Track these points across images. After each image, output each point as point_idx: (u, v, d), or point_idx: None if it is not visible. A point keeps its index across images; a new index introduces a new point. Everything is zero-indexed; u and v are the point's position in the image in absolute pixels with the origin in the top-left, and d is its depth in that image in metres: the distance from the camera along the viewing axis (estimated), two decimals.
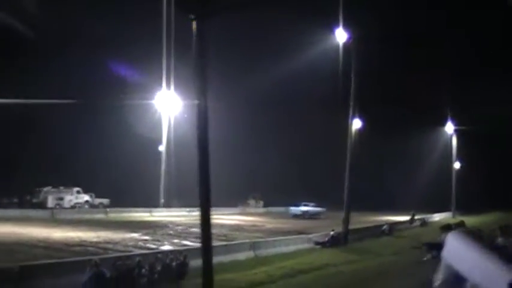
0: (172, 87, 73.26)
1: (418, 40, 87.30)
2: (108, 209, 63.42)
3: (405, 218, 63.78)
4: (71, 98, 67.69)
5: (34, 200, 64.56)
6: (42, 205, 63.46)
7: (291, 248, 34.06)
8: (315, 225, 50.90)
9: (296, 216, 66.86)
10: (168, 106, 74.45)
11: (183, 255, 23.21)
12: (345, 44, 50.24)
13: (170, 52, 72.01)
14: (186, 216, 58.89)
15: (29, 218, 52.57)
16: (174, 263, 21.92)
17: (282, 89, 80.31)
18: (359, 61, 45.49)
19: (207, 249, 10.65)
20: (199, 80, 10.97)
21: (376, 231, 49.24)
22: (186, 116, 69.59)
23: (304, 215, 66.92)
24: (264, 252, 30.80)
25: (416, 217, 64.83)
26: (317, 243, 37.61)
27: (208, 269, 10.45)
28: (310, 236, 39.43)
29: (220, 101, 51.61)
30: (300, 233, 42.63)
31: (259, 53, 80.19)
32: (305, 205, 69.93)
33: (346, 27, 50.42)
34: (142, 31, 69.68)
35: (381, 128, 79.10)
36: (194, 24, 10.39)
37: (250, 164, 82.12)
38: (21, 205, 62.11)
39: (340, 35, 51.59)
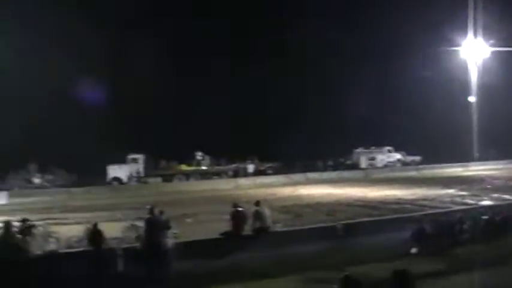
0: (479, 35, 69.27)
1: None
2: (420, 166, 62.77)
3: None
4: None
5: (347, 162, 66.84)
6: (355, 166, 65.42)
7: None
8: None
9: None
10: (475, 55, 70.69)
11: (506, 209, 21.64)
12: None
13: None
14: (504, 169, 55.42)
15: (343, 179, 54.62)
16: (497, 218, 20.47)
17: None
18: None
19: None
20: None
21: None
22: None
23: None
24: None
25: None
26: None
27: None
28: None
29: None
30: None
31: None
32: None
33: None
34: None
35: None
36: None
37: None
38: (335, 167, 64.73)
39: None
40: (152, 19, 67.72)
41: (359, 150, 67.31)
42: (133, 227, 19.29)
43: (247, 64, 68.64)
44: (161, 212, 16.47)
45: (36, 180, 57.92)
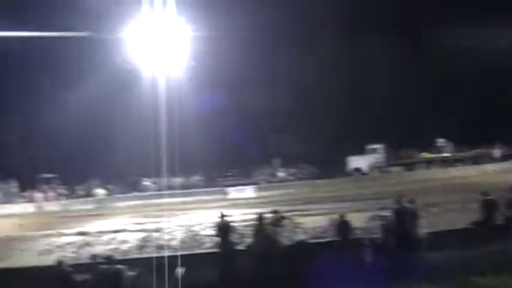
0: None
1: None
2: None
3: None
4: None
5: None
6: None
7: None
8: None
9: None
10: None
11: None
12: None
13: None
14: None
15: None
16: None
17: None
18: None
19: None
20: None
21: None
22: None
23: None
24: None
25: None
26: None
27: None
28: None
29: None
30: None
31: None
32: None
33: None
34: None
35: None
36: None
37: None
38: None
39: None
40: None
41: None
42: (378, 217, 19.25)
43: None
44: (411, 202, 16.27)
45: (281, 174, 60.50)
